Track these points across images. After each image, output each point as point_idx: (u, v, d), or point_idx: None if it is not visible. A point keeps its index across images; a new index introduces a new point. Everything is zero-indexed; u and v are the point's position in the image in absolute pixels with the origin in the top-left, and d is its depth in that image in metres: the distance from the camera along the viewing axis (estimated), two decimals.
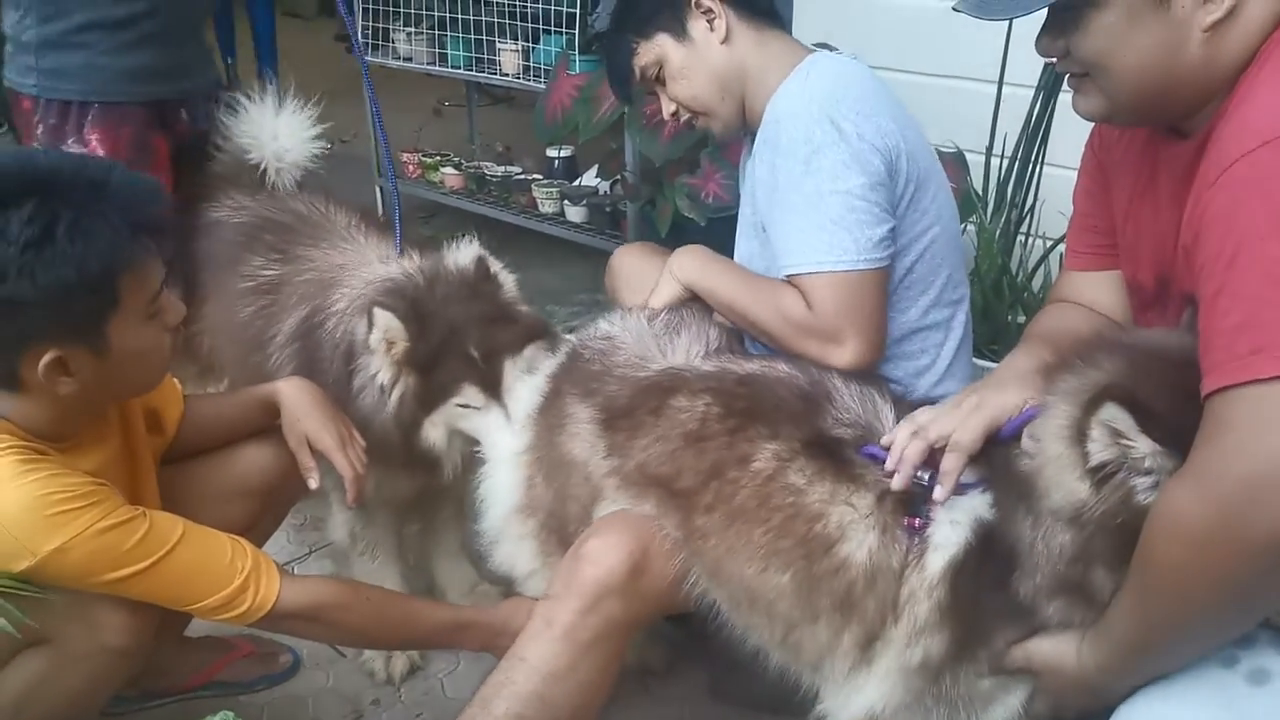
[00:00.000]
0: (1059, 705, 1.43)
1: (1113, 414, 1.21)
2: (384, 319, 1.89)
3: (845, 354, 1.74)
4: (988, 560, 1.39)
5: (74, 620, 1.59)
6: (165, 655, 2.01)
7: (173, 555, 1.58)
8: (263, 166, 2.48)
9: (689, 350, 1.77)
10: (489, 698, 1.61)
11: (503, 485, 1.85)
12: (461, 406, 1.95)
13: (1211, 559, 1.08)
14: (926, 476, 1.45)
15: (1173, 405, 1.19)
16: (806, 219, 1.77)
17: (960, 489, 1.44)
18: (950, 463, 1.44)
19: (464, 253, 2.04)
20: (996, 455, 1.43)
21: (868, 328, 1.77)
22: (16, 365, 1.50)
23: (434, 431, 1.98)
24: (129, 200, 1.49)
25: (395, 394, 1.94)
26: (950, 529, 1.43)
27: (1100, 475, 1.25)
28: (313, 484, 1.89)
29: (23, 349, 1.48)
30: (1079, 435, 1.26)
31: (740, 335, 1.92)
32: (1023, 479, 1.36)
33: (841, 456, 1.51)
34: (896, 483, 1.45)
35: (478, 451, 1.96)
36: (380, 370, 1.94)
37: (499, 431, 1.92)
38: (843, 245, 1.75)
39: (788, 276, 1.80)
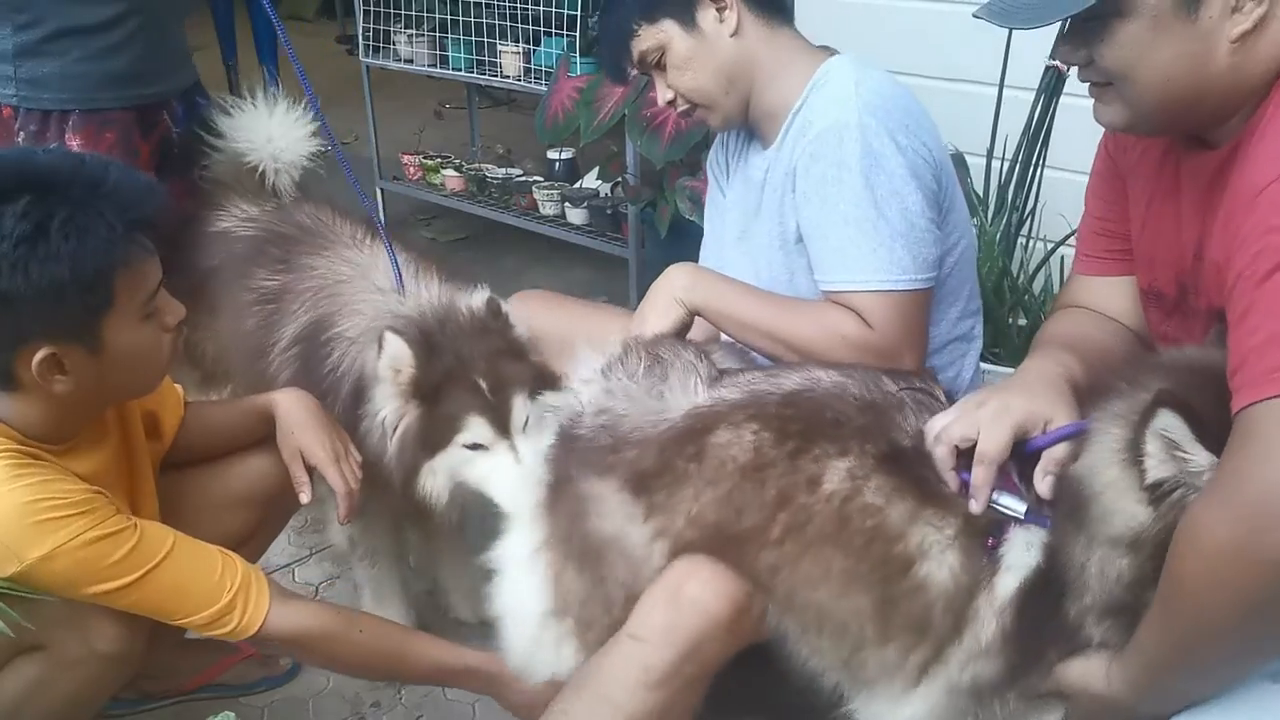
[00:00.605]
0: None
1: (1168, 422, 1.17)
2: (394, 344, 1.83)
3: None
4: (1051, 585, 1.35)
5: (67, 626, 1.59)
6: (165, 657, 2.00)
7: (160, 569, 1.57)
8: (260, 169, 2.47)
9: (688, 386, 1.59)
10: None
11: (525, 592, 1.64)
12: (468, 448, 1.86)
13: (1233, 575, 1.06)
14: (1003, 500, 1.38)
15: (1224, 418, 1.14)
16: (865, 235, 1.70)
17: (1037, 520, 1.38)
18: (980, 476, 1.37)
19: (476, 296, 2.00)
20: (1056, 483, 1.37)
21: (920, 347, 1.74)
22: (11, 363, 1.49)
23: (433, 480, 1.90)
24: (125, 198, 1.49)
25: (398, 432, 1.88)
26: (1024, 551, 1.37)
27: (1158, 494, 1.21)
28: (304, 498, 1.86)
29: (17, 346, 1.47)
30: (1134, 456, 1.22)
31: (736, 353, 1.79)
32: (1077, 503, 1.31)
33: (917, 470, 1.42)
34: (974, 508, 1.39)
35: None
36: (385, 405, 1.88)
37: (509, 477, 1.81)
38: (903, 264, 1.70)
39: (837, 291, 1.74)
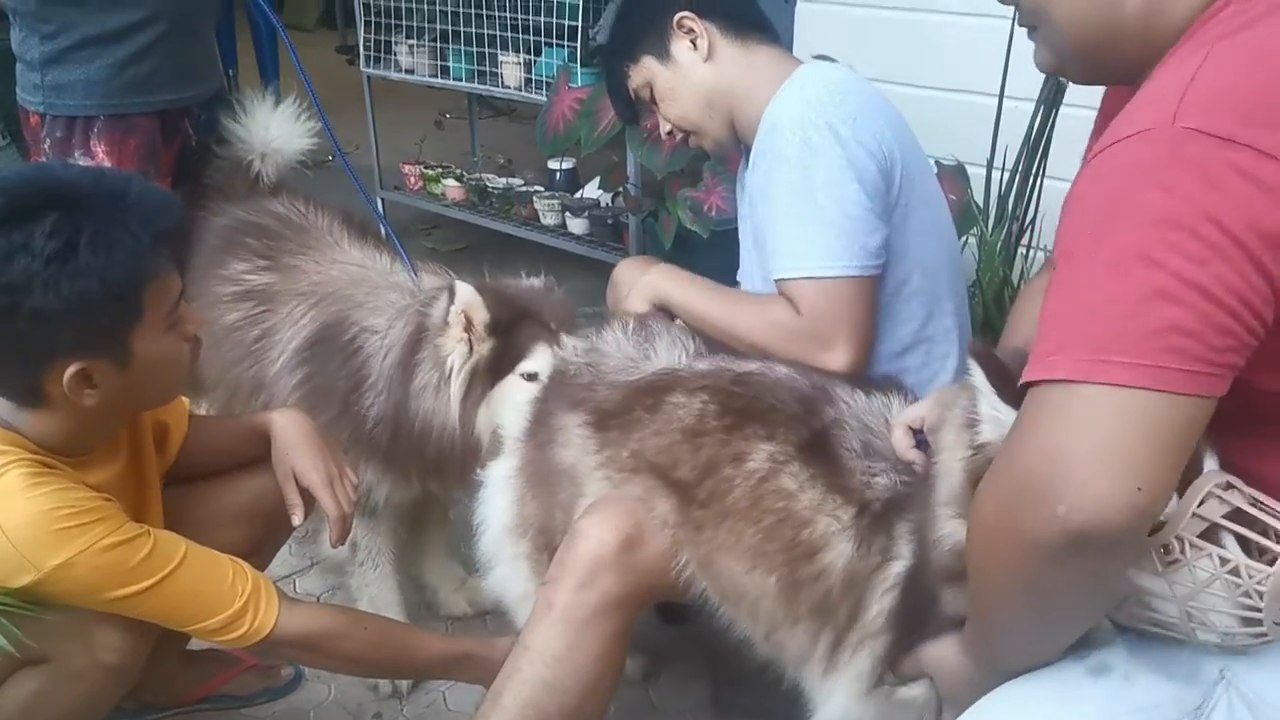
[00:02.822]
0: (961, 709, 1.36)
1: (974, 375, 1.20)
2: (464, 291, 1.93)
3: (835, 360, 1.73)
4: (927, 565, 1.39)
5: (70, 639, 1.58)
6: (167, 669, 2.00)
7: (175, 575, 1.57)
8: (250, 161, 2.50)
9: (671, 354, 1.76)
10: (499, 690, 1.62)
11: (496, 507, 1.84)
12: (525, 377, 1.96)
13: (999, 547, 1.08)
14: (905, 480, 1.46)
15: None
16: (801, 224, 1.76)
17: None
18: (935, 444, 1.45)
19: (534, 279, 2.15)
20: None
21: (857, 335, 1.76)
22: (41, 379, 1.49)
23: (486, 412, 1.99)
24: (148, 211, 1.49)
25: (465, 371, 1.97)
26: (907, 542, 1.43)
27: (980, 454, 1.23)
28: (296, 520, 1.85)
29: (49, 362, 1.48)
30: (970, 420, 1.25)
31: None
32: (930, 474, 1.37)
33: (835, 463, 1.51)
34: (916, 461, 1.47)
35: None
36: (452, 350, 1.97)
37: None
38: (836, 251, 1.74)
39: (777, 280, 1.79)
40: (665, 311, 1.94)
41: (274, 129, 2.50)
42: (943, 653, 1.37)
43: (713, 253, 2.12)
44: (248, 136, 2.50)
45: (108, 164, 2.30)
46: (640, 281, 1.98)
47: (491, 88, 4.27)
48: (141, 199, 1.50)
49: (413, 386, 2.00)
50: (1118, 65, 1.26)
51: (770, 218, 1.82)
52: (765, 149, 1.81)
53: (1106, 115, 1.55)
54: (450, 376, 1.97)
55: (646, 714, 2.14)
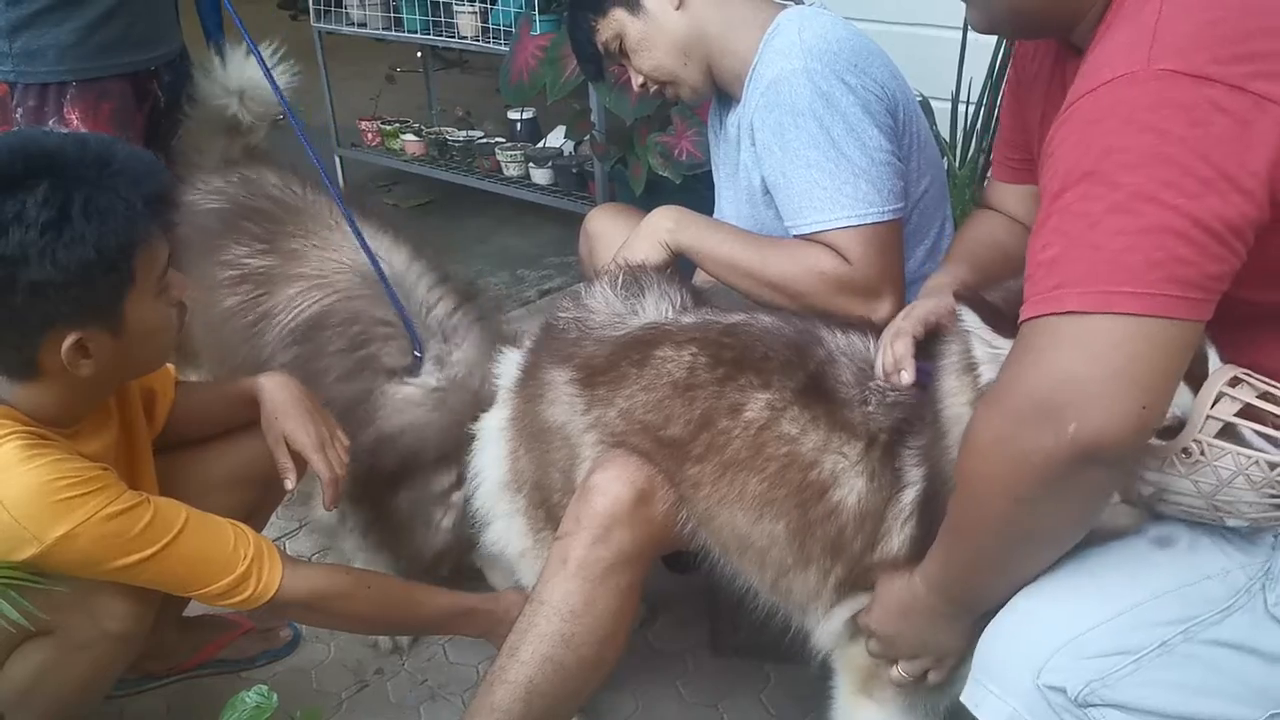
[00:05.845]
0: (886, 640, 1.45)
1: (965, 317, 1.24)
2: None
3: (884, 307, 1.73)
4: (939, 494, 1.42)
5: (75, 609, 1.58)
6: (165, 637, 2.00)
7: (178, 541, 1.57)
8: (224, 105, 2.47)
9: (660, 309, 1.73)
10: (515, 645, 1.63)
11: (489, 460, 1.84)
12: None
13: (999, 469, 1.13)
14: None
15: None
16: (829, 174, 1.75)
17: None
18: (899, 347, 1.49)
19: None
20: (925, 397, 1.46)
21: (898, 279, 1.77)
22: (36, 351, 1.47)
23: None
24: (136, 175, 1.47)
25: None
26: (918, 468, 1.45)
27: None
28: (288, 484, 1.84)
29: (45, 334, 1.46)
30: (968, 364, 1.29)
31: (703, 293, 1.86)
32: (935, 417, 1.39)
33: (834, 400, 1.52)
34: (906, 378, 1.48)
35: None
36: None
37: None
38: (869, 198, 1.74)
39: (814, 234, 1.78)
40: (670, 259, 1.90)
41: (249, 69, 2.46)
42: (887, 580, 1.42)
43: (683, 198, 2.10)
44: (223, 79, 2.46)
45: (84, 130, 2.25)
46: (645, 227, 1.94)
47: (447, 39, 4.19)
48: (128, 163, 1.47)
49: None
50: (1050, 22, 1.31)
51: (789, 172, 1.79)
52: (772, 103, 1.79)
53: (1018, 58, 1.58)
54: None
55: (646, 657, 2.16)
